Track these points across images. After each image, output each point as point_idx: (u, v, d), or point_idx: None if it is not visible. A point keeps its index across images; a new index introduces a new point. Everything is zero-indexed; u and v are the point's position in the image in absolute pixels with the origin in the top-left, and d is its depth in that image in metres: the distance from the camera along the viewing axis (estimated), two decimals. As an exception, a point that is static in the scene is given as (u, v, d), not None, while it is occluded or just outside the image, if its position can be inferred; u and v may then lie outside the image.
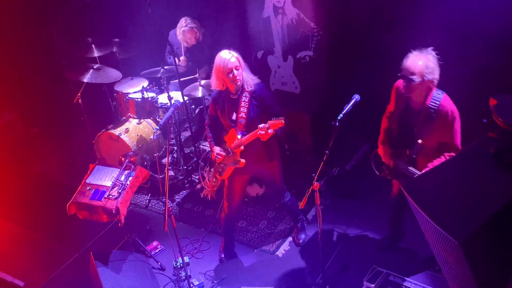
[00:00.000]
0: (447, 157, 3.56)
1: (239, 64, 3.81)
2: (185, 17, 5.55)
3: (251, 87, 3.87)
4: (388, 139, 3.94)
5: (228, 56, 3.79)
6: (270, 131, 3.72)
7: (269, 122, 3.70)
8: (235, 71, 3.78)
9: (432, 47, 3.50)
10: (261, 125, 3.74)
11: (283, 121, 3.68)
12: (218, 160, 4.12)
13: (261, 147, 3.96)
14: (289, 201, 4.39)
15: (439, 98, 3.52)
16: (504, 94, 3.34)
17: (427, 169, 3.57)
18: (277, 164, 4.16)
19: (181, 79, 5.16)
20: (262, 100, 3.90)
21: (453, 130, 3.56)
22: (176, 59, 5.08)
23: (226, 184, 4.22)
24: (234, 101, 3.93)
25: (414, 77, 3.45)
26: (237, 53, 3.85)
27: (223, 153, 4.06)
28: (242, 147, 3.95)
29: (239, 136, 3.94)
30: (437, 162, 3.58)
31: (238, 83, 3.84)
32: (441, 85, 3.63)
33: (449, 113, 3.51)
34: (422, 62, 3.43)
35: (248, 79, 3.88)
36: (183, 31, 5.54)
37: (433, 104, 3.53)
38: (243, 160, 3.99)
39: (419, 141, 3.66)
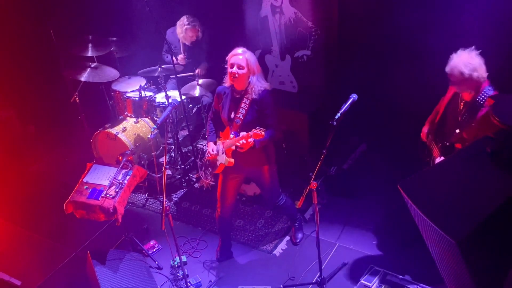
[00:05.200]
0: None
1: (245, 66, 3.78)
2: (186, 15, 5.57)
3: (256, 92, 3.84)
4: (434, 120, 3.99)
5: (238, 51, 3.81)
6: (250, 140, 3.72)
7: (253, 130, 3.67)
8: (237, 70, 3.77)
9: (474, 46, 3.52)
10: (244, 133, 3.73)
11: (263, 132, 3.65)
12: (209, 158, 4.12)
13: (256, 149, 3.93)
14: (285, 203, 4.36)
15: (488, 94, 3.53)
16: (501, 94, 3.35)
17: None
18: (272, 167, 4.14)
19: (179, 75, 5.16)
20: (262, 106, 3.86)
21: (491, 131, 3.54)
22: (174, 58, 5.07)
23: (220, 184, 4.21)
24: (236, 100, 3.92)
25: (452, 77, 3.52)
26: (252, 55, 3.84)
27: (214, 152, 4.05)
28: (233, 147, 3.94)
29: (231, 136, 3.94)
30: None
31: (235, 82, 3.83)
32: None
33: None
34: (460, 65, 3.46)
35: (257, 84, 3.84)
36: (186, 29, 5.56)
37: (480, 99, 3.54)
38: (232, 160, 3.98)
39: (457, 130, 3.66)
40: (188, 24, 5.53)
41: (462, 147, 3.73)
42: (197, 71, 5.48)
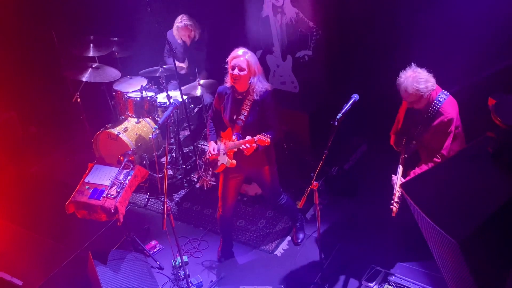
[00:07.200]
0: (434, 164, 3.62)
1: (246, 67, 3.77)
2: (182, 14, 5.57)
3: (257, 93, 3.83)
4: (397, 130, 4.03)
5: (239, 53, 3.79)
6: (254, 145, 3.71)
7: (258, 136, 3.67)
8: (238, 72, 3.76)
9: (414, 62, 3.58)
10: (249, 137, 3.73)
11: (269, 140, 3.66)
12: (210, 158, 4.12)
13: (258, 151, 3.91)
14: (286, 203, 4.36)
15: (441, 101, 3.56)
16: (502, 94, 3.35)
17: (409, 177, 3.62)
18: (272, 167, 4.13)
19: (183, 88, 5.19)
20: (264, 107, 3.86)
21: (445, 137, 3.58)
22: (177, 62, 5.08)
23: (221, 184, 4.21)
24: (237, 102, 3.92)
25: (410, 98, 3.57)
26: (253, 56, 3.82)
27: (215, 152, 4.05)
28: (235, 149, 3.94)
29: (233, 137, 3.93)
30: (424, 168, 3.63)
31: (236, 84, 3.83)
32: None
33: (444, 120, 3.55)
34: (413, 83, 3.50)
35: (258, 85, 3.83)
36: (177, 27, 5.57)
37: (433, 107, 3.58)
38: (234, 161, 3.97)
39: (414, 142, 3.69)
40: (181, 22, 5.54)
41: (427, 155, 3.77)
42: (198, 79, 5.49)
